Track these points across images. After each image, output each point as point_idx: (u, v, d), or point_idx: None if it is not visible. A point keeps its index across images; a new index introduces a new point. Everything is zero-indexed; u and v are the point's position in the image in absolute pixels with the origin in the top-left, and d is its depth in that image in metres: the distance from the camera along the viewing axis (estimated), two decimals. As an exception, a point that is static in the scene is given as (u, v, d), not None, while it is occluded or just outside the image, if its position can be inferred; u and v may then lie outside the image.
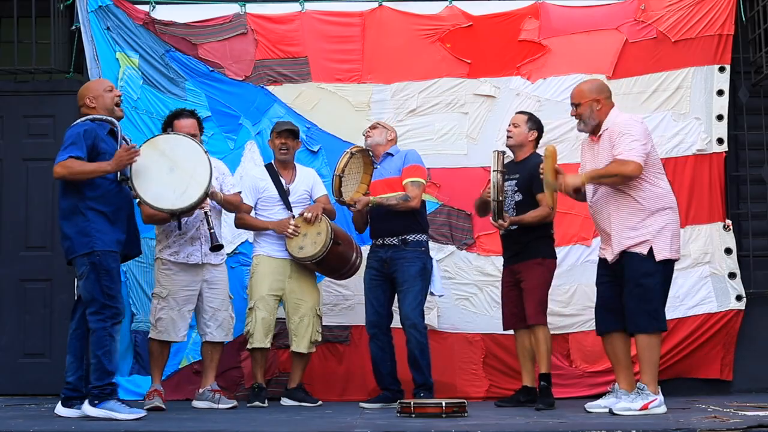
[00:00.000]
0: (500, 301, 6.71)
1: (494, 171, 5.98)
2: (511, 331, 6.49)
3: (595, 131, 5.81)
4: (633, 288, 5.63)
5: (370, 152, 6.57)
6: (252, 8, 7.47)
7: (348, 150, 6.42)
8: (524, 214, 6.20)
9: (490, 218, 6.14)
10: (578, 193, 5.86)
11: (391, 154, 6.62)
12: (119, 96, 5.79)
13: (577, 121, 5.85)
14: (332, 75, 7.41)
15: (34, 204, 7.55)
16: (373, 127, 6.71)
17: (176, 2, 7.46)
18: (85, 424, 5.31)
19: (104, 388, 5.44)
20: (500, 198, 6.00)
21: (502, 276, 6.48)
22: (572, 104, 5.84)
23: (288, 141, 6.70)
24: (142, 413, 5.48)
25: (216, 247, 6.18)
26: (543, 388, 6.20)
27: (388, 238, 6.46)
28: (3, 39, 7.74)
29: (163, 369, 6.47)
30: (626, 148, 5.58)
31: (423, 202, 6.56)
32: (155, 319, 6.34)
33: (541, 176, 5.86)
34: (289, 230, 6.51)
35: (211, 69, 7.36)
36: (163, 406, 6.13)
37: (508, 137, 6.42)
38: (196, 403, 6.41)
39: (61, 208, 5.63)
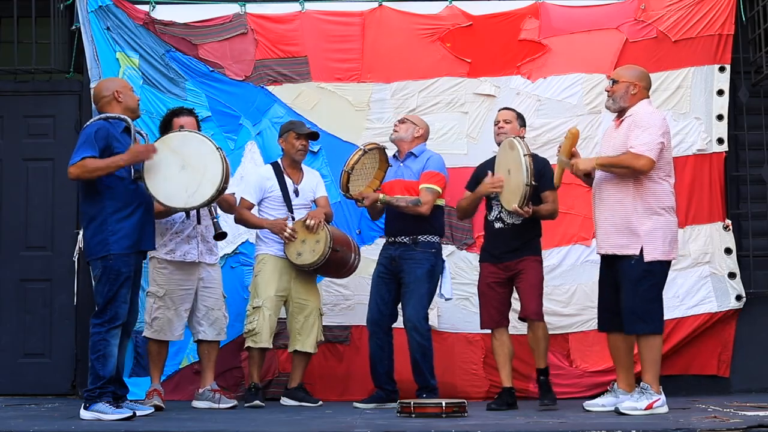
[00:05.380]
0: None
1: (525, 155, 5.88)
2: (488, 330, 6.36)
3: (619, 115, 5.85)
4: (626, 290, 5.65)
5: (386, 150, 6.50)
6: (252, 8, 7.46)
7: (361, 147, 6.39)
8: (539, 207, 6.12)
9: (516, 205, 5.94)
10: (588, 177, 5.87)
11: (415, 155, 6.53)
12: (138, 99, 5.90)
13: (608, 97, 5.88)
14: (332, 74, 7.40)
15: (34, 204, 7.54)
16: (401, 121, 6.62)
17: (176, 2, 7.46)
18: (85, 424, 5.33)
19: (93, 391, 5.48)
20: (533, 182, 5.91)
21: (485, 272, 6.26)
22: (610, 79, 5.89)
23: (307, 143, 6.71)
24: (128, 413, 5.48)
25: (219, 235, 6.15)
26: (543, 383, 6.16)
27: (400, 237, 6.43)
28: (3, 39, 7.73)
29: (162, 368, 6.47)
30: (641, 141, 5.61)
31: (440, 206, 6.52)
32: (151, 318, 6.34)
33: (557, 155, 5.89)
34: (286, 233, 6.48)
35: (211, 69, 7.36)
36: (163, 405, 6.13)
37: (500, 134, 6.29)
38: (196, 403, 6.41)
39: (83, 212, 5.69)
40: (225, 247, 7.00)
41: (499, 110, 6.53)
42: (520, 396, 6.46)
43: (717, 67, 7.31)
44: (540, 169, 6.04)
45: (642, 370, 5.70)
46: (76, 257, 6.97)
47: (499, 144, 6.28)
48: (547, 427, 5.09)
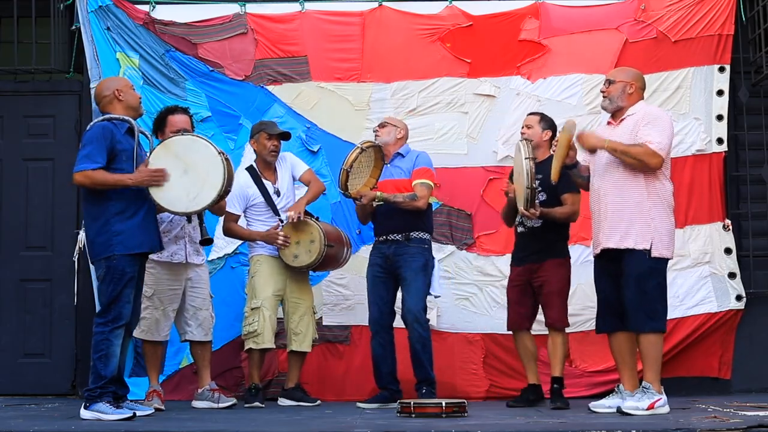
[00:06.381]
0: (501, 300, 6.68)
1: (526, 158, 5.90)
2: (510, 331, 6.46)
3: (615, 116, 5.86)
4: (631, 286, 5.65)
5: (382, 148, 6.51)
6: (252, 8, 7.46)
7: (359, 145, 6.38)
8: (553, 209, 6.16)
9: (522, 207, 6.00)
10: (592, 154, 5.81)
11: (402, 155, 6.56)
12: (140, 98, 5.88)
13: (603, 98, 5.89)
14: (332, 74, 7.40)
15: (34, 204, 7.54)
16: (382, 126, 6.63)
17: (176, 2, 7.46)
18: (85, 424, 5.32)
19: (94, 391, 5.47)
20: (534, 186, 5.93)
21: (512, 275, 6.38)
22: (606, 80, 5.92)
23: (278, 144, 6.67)
24: (128, 413, 5.47)
25: (206, 241, 6.14)
26: (556, 391, 6.19)
27: (392, 235, 6.44)
28: (3, 39, 7.73)
29: (159, 369, 6.46)
30: (657, 138, 5.63)
31: (429, 204, 6.54)
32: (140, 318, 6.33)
33: (553, 150, 5.88)
34: (279, 241, 6.46)
35: (211, 69, 7.36)
36: (162, 407, 6.12)
37: (523, 140, 6.36)
38: (195, 403, 6.40)
39: (85, 212, 5.69)
40: (225, 247, 7.01)
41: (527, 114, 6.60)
42: (518, 395, 6.46)
43: (717, 67, 7.31)
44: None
45: (644, 369, 5.69)
46: (76, 257, 6.96)
47: None
48: (547, 427, 5.09)
